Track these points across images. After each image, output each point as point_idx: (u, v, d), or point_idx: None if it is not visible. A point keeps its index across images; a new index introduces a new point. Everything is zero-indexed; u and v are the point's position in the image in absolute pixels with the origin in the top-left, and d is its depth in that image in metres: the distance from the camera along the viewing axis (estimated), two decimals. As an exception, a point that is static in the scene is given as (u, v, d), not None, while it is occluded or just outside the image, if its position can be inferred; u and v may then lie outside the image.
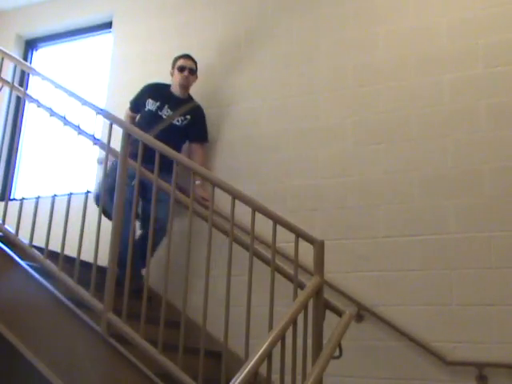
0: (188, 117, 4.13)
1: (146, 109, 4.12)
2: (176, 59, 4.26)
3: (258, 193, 3.67)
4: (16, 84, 3.83)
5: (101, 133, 3.83)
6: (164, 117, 4.08)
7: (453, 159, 3.66)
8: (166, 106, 4.12)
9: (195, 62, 4.26)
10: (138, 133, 3.08)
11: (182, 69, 4.17)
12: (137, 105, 4.26)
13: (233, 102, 4.41)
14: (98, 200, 3.48)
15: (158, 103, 4.12)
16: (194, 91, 4.56)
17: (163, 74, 4.72)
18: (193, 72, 4.24)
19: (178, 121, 4.10)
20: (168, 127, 4.04)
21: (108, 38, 5.19)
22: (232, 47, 4.55)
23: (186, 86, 4.22)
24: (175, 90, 4.22)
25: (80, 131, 3.26)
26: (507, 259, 3.39)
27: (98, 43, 5.34)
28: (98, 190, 3.35)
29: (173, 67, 4.24)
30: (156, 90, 4.22)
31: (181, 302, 2.77)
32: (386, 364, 3.50)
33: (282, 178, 4.07)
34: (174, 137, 3.98)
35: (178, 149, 3.75)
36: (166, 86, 4.27)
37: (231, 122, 4.39)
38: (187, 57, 4.26)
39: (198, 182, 3.72)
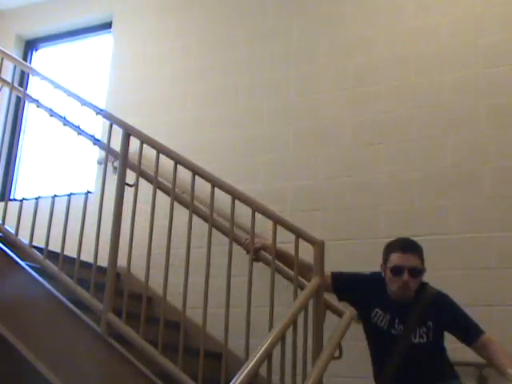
0: (430, 324, 2.62)
1: (374, 321, 2.67)
2: (389, 249, 2.71)
3: (258, 193, 3.67)
4: (16, 84, 3.83)
5: (101, 133, 3.83)
6: (395, 333, 2.63)
7: (453, 159, 3.66)
8: (397, 320, 2.64)
9: (420, 253, 2.66)
10: (138, 133, 3.07)
11: (398, 271, 2.61)
12: (347, 295, 2.80)
13: (233, 101, 4.41)
14: None
15: (387, 317, 2.66)
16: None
17: (163, 75, 4.73)
18: (416, 273, 2.62)
19: (415, 337, 2.61)
20: (408, 347, 2.60)
21: (108, 38, 5.19)
22: (232, 47, 4.55)
23: (406, 294, 2.64)
24: (394, 294, 2.67)
25: (80, 131, 3.26)
26: (507, 259, 3.39)
27: (97, 43, 5.34)
28: None
29: (384, 260, 2.72)
30: (382, 294, 2.70)
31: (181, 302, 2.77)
32: (386, 364, 3.49)
33: (282, 178, 4.06)
34: (418, 355, 2.59)
35: (432, 366, 2.62)
36: (385, 284, 2.72)
37: (231, 121, 4.38)
38: (407, 248, 2.67)
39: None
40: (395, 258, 2.64)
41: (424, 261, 2.64)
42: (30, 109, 4.02)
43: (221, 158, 4.27)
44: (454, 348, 3.35)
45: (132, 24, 5.04)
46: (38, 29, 5.49)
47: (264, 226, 2.81)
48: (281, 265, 2.84)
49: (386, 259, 2.70)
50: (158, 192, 2.98)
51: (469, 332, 2.63)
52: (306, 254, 2.63)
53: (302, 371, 2.46)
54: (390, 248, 2.70)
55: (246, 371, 1.88)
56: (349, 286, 2.77)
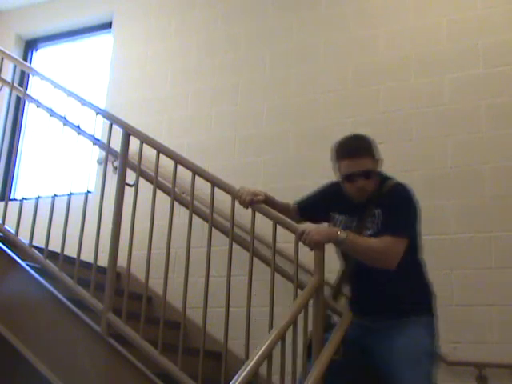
0: (377, 211, 2.47)
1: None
2: (337, 156, 2.56)
3: (258, 193, 3.66)
4: (16, 84, 3.83)
5: (101, 133, 3.83)
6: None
7: (453, 159, 3.66)
8: (355, 220, 2.54)
9: (366, 153, 2.50)
10: (138, 133, 3.07)
11: (350, 178, 2.48)
12: (313, 214, 2.73)
13: (233, 102, 4.41)
14: None
15: (345, 219, 2.56)
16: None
17: (163, 75, 4.73)
18: (369, 175, 2.46)
19: (367, 230, 2.47)
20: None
21: (108, 38, 5.19)
22: (232, 47, 4.55)
23: (366, 196, 2.49)
24: (354, 198, 2.53)
25: (80, 131, 3.26)
26: (507, 259, 3.39)
27: (97, 43, 5.34)
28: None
29: (335, 166, 2.56)
30: (340, 197, 2.57)
31: (181, 302, 2.77)
32: (386, 364, 3.49)
33: (281, 178, 4.06)
34: None
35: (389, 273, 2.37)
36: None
37: (231, 121, 4.38)
38: (352, 153, 2.51)
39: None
40: (344, 166, 2.49)
41: (375, 155, 2.50)
42: (30, 109, 4.02)
43: (221, 158, 4.27)
44: (454, 347, 3.37)
45: (132, 24, 5.04)
46: (37, 29, 5.49)
47: (264, 225, 2.81)
48: (281, 265, 2.84)
49: (336, 165, 2.55)
50: (158, 192, 2.98)
51: (386, 226, 2.39)
52: (306, 254, 2.63)
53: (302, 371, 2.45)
54: (337, 154, 2.55)
55: (246, 371, 1.88)
56: (312, 204, 2.71)
